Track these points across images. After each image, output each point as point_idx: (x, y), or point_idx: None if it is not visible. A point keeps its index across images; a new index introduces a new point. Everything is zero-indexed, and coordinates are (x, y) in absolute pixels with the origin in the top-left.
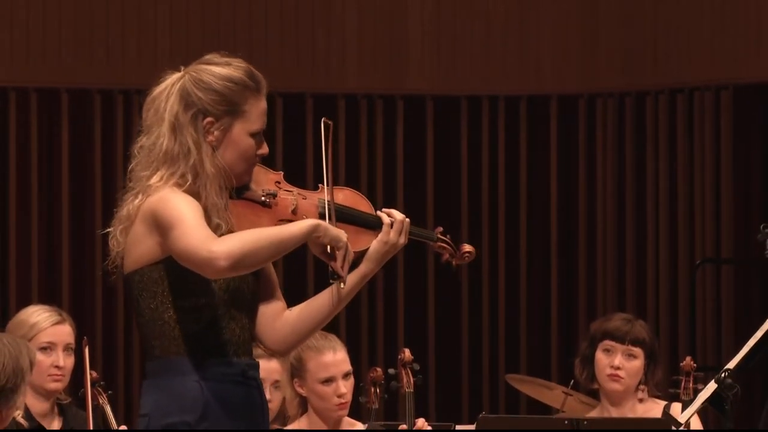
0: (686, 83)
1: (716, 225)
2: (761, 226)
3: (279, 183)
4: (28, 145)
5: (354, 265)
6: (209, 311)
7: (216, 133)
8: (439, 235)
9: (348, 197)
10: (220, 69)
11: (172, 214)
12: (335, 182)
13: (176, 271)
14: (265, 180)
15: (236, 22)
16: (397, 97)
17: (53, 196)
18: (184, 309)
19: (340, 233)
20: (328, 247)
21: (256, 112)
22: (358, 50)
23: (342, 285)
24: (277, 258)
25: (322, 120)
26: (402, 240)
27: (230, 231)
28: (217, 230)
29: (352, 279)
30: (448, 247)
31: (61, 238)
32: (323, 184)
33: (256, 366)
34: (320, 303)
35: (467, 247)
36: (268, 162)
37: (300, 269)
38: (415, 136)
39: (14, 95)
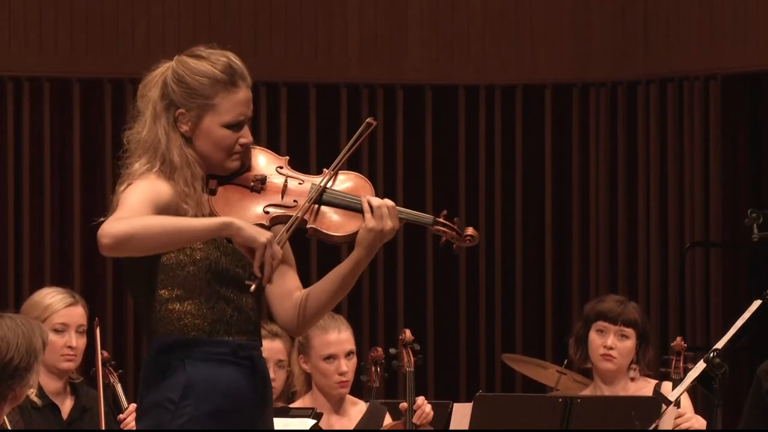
0: (676, 73)
1: (705, 210)
2: (748, 211)
3: (281, 168)
4: (41, 133)
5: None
6: (192, 292)
7: (188, 124)
8: (443, 219)
9: (349, 180)
10: (195, 63)
11: (122, 199)
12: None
13: (158, 254)
14: (267, 165)
15: (242, 13)
16: (397, 86)
17: (65, 182)
18: (168, 290)
19: (259, 233)
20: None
21: (228, 105)
22: (359, 41)
23: (252, 289)
24: (174, 248)
25: (368, 120)
26: (388, 225)
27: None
28: (186, 215)
29: (346, 264)
30: (448, 230)
31: (72, 223)
32: (327, 169)
33: (254, 346)
34: (322, 288)
35: (470, 231)
36: (272, 149)
37: (304, 257)
38: (414, 123)
39: (27, 84)
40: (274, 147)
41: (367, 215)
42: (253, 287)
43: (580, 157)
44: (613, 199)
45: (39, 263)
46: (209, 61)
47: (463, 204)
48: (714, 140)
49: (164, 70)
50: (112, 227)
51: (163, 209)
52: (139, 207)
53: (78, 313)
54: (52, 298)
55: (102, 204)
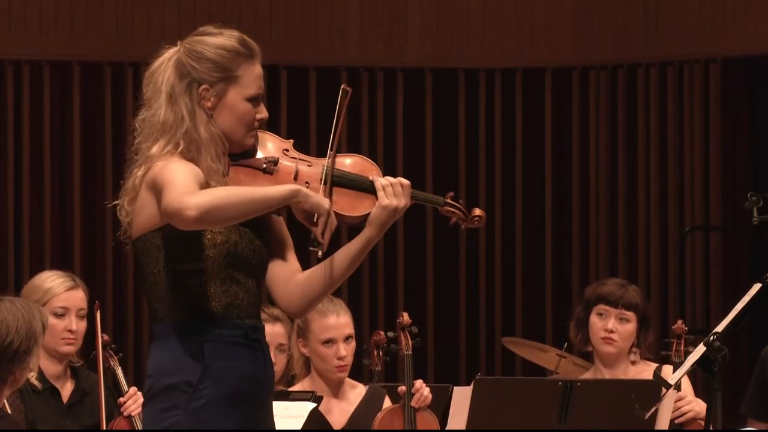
0: (676, 56)
1: (705, 193)
2: (748, 195)
3: (287, 150)
4: (41, 116)
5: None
6: (209, 275)
7: (212, 99)
8: (449, 200)
9: (356, 163)
10: (212, 38)
11: (166, 176)
12: (339, 150)
13: (176, 236)
14: (274, 148)
15: None
16: (397, 69)
17: (65, 165)
18: (185, 273)
19: (322, 200)
20: (315, 215)
21: (250, 77)
22: (359, 24)
23: (320, 253)
24: (250, 216)
25: (342, 87)
26: (402, 202)
27: None
28: None
29: (356, 243)
30: (456, 211)
31: (72, 207)
32: (331, 151)
33: (261, 329)
34: (332, 266)
35: (477, 211)
36: (272, 132)
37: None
38: (414, 107)
39: (27, 68)
40: (274, 130)
41: (380, 193)
42: (320, 253)
43: (580, 141)
44: (613, 182)
45: (39, 247)
46: (224, 36)
47: (463, 187)
48: (714, 123)
49: (171, 54)
50: (195, 200)
51: (202, 188)
52: (192, 183)
53: (78, 297)
54: (52, 281)
55: (102, 187)
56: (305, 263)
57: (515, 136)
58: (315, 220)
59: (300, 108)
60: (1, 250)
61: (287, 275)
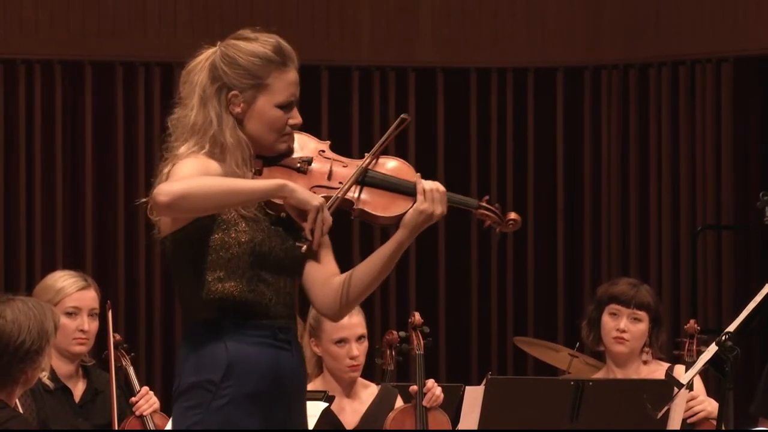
0: (688, 55)
1: (717, 192)
2: (760, 194)
3: (323, 152)
4: (53, 116)
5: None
6: (234, 274)
7: (241, 105)
8: (485, 203)
9: (396, 167)
10: (246, 44)
11: (174, 173)
12: (367, 149)
13: (201, 235)
14: (310, 149)
15: None
16: (409, 68)
17: (77, 165)
18: (211, 272)
19: (312, 197)
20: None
21: (280, 85)
22: (371, 24)
23: (303, 248)
24: (230, 207)
25: (402, 116)
26: (438, 209)
27: None
28: None
29: (388, 246)
30: (491, 214)
31: (84, 206)
32: (368, 153)
33: (292, 329)
34: (364, 270)
35: (513, 215)
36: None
37: (346, 241)
38: (426, 106)
39: (39, 68)
40: None
41: (420, 197)
42: (304, 248)
43: (591, 140)
44: (624, 182)
45: (51, 247)
46: (259, 42)
47: (475, 187)
48: (726, 123)
49: (209, 55)
50: (169, 186)
51: None
52: (190, 176)
53: (90, 297)
54: (64, 281)
55: (114, 187)
56: (344, 267)
57: (527, 135)
58: (305, 215)
59: (311, 107)
60: (13, 249)
61: (324, 277)
